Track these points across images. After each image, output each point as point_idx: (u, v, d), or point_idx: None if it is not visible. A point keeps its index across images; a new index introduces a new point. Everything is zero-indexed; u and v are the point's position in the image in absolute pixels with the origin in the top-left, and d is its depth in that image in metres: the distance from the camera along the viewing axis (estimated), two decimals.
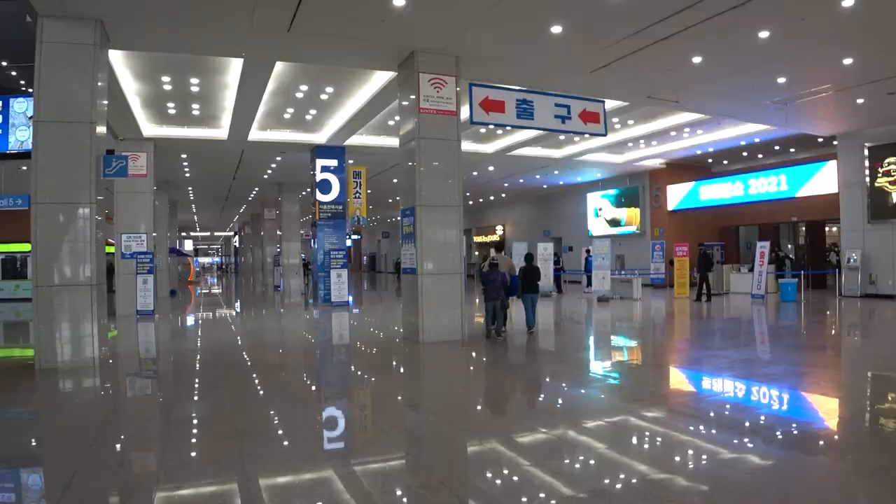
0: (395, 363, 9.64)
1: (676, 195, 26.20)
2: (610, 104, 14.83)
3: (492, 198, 37.70)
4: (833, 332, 12.82)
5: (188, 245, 51.54)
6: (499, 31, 10.35)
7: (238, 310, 21.12)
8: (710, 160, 25.53)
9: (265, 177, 26.44)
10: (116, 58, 12.37)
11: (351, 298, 19.56)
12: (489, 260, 12.06)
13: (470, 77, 12.25)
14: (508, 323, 12.42)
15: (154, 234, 26.49)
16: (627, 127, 19.18)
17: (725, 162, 25.97)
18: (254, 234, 44.91)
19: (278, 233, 32.84)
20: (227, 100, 15.22)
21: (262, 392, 7.32)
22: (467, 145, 20.85)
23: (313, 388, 8.08)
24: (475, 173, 26.59)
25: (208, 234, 70.71)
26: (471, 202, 40.38)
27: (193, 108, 16.12)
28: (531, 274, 12.24)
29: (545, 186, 32.02)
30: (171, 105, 15.94)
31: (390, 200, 36.57)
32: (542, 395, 7.39)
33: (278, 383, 8.15)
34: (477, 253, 45.46)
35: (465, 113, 11.97)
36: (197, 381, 8.15)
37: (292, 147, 19.90)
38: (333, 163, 19.90)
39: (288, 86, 14.45)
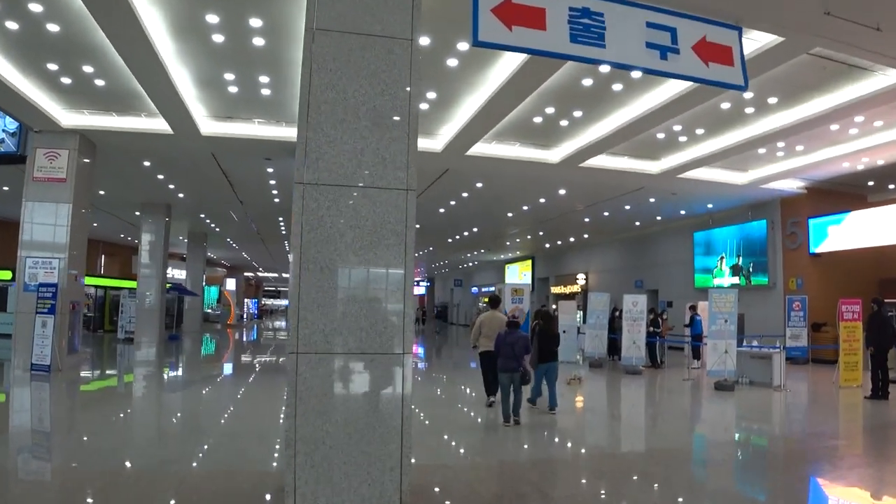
0: None
1: (822, 233, 18.73)
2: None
3: (571, 239, 30.94)
4: None
5: (230, 284, 46.94)
6: None
7: (208, 371, 15.31)
8: (870, 182, 18.02)
9: (276, 200, 20.96)
10: None
11: None
12: (509, 318, 9.11)
13: None
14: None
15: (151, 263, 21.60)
16: (765, 111, 12.25)
17: (893, 186, 18.37)
18: None
19: None
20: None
21: None
22: (519, 151, 14.53)
23: None
24: (542, 200, 20.13)
25: (276, 275, 66.76)
26: (547, 245, 33.80)
27: (86, 70, 10.71)
28: (547, 337, 9.46)
29: (637, 224, 25.08)
30: (52, 66, 10.59)
31: (451, 240, 30.60)
32: None
33: None
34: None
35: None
36: None
37: (275, 148, 14.24)
38: None
39: (187, 14, 8.69)
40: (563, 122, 12.74)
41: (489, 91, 10.84)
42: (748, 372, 12.90)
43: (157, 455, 6.44)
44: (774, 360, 12.31)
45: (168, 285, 24.95)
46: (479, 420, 9.07)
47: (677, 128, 12.95)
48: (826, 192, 18.80)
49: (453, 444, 7.42)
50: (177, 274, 36.90)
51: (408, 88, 4.71)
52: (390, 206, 4.53)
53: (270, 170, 16.44)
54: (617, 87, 10.93)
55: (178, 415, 9.51)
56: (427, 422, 8.76)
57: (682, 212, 22.19)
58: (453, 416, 9.49)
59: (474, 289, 48.97)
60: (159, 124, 12.98)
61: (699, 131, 13.26)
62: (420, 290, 64.57)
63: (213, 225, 27.81)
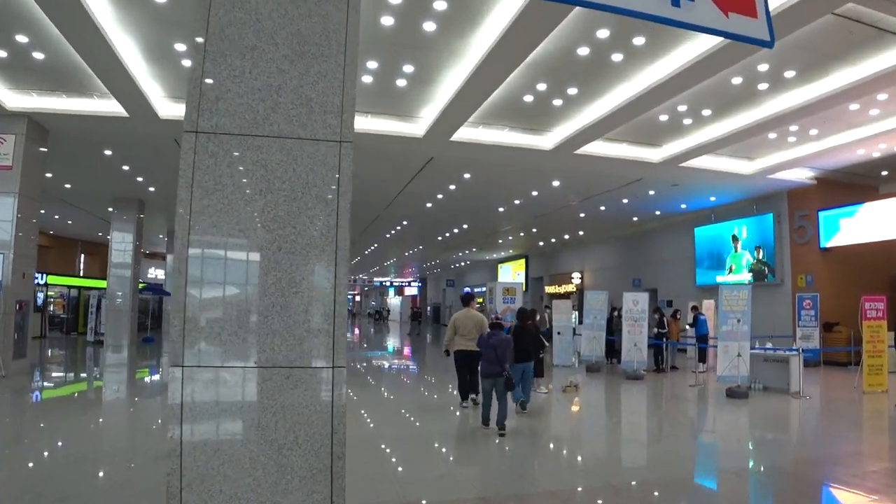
0: None
1: (833, 226, 17.57)
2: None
3: (566, 236, 29.75)
4: None
5: None
6: None
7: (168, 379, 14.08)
8: (884, 172, 16.86)
9: None
10: None
11: None
12: (492, 318, 8.53)
13: None
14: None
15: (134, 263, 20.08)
16: (780, 87, 11.06)
17: None
18: None
19: None
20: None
21: None
22: (509, 136, 13.36)
23: None
24: (535, 193, 18.91)
25: None
26: (541, 243, 32.62)
27: (19, 39, 9.51)
28: (524, 337, 9.07)
29: (635, 219, 23.89)
30: None
31: (440, 237, 29.40)
32: None
33: None
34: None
35: None
36: None
37: None
38: None
39: None
40: (557, 101, 11.52)
41: (473, 61, 9.62)
42: (761, 376, 11.72)
43: (51, 489, 5.20)
44: (792, 363, 11.12)
45: (142, 285, 23.71)
46: (457, 432, 7.90)
47: (682, 108, 11.76)
48: (836, 183, 17.67)
49: (421, 469, 6.21)
50: (160, 274, 35.72)
51: (345, 7, 3.49)
52: (317, 164, 3.31)
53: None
54: (617, 57, 9.70)
55: (112, 433, 8.28)
56: (395, 437, 7.57)
57: (683, 206, 21.02)
58: (428, 427, 8.31)
59: (466, 289, 47.78)
60: (113, 107, 11.77)
61: (706, 112, 12.07)
62: (412, 290, 63.44)
63: None
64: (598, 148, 13.90)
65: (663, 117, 12.25)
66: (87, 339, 22.46)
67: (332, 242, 3.27)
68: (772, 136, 13.44)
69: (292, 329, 3.18)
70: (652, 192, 18.56)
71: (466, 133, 12.89)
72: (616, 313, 16.25)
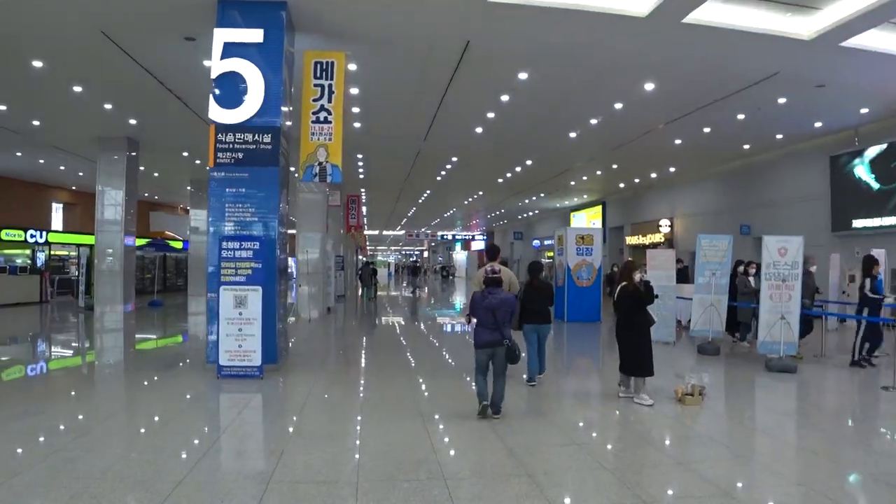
0: None
1: None
2: None
3: (653, 175, 24.60)
4: None
5: None
6: None
7: (130, 359, 10.32)
8: None
9: None
10: None
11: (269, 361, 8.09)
12: (487, 273, 6.36)
13: None
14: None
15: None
16: None
17: None
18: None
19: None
20: None
21: None
22: None
23: None
24: (619, 105, 13.97)
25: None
26: (621, 185, 27.65)
27: None
28: (537, 295, 7.82)
29: (747, 147, 18.61)
30: None
31: (501, 179, 24.96)
32: None
33: None
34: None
35: None
36: None
37: (191, 13, 8.86)
38: (253, 36, 8.47)
39: None
40: None
41: None
42: None
43: None
44: None
45: (143, 241, 20.21)
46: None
47: None
48: None
49: None
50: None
51: None
52: None
53: (207, 63, 10.95)
54: None
55: None
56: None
57: (818, 124, 15.66)
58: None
59: (536, 242, 43.31)
60: None
61: None
62: (479, 244, 59.18)
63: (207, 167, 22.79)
64: (718, 13, 8.99)
65: None
66: (79, 304, 19.35)
67: None
68: None
69: None
70: (783, 101, 13.36)
71: None
72: (741, 269, 11.32)
